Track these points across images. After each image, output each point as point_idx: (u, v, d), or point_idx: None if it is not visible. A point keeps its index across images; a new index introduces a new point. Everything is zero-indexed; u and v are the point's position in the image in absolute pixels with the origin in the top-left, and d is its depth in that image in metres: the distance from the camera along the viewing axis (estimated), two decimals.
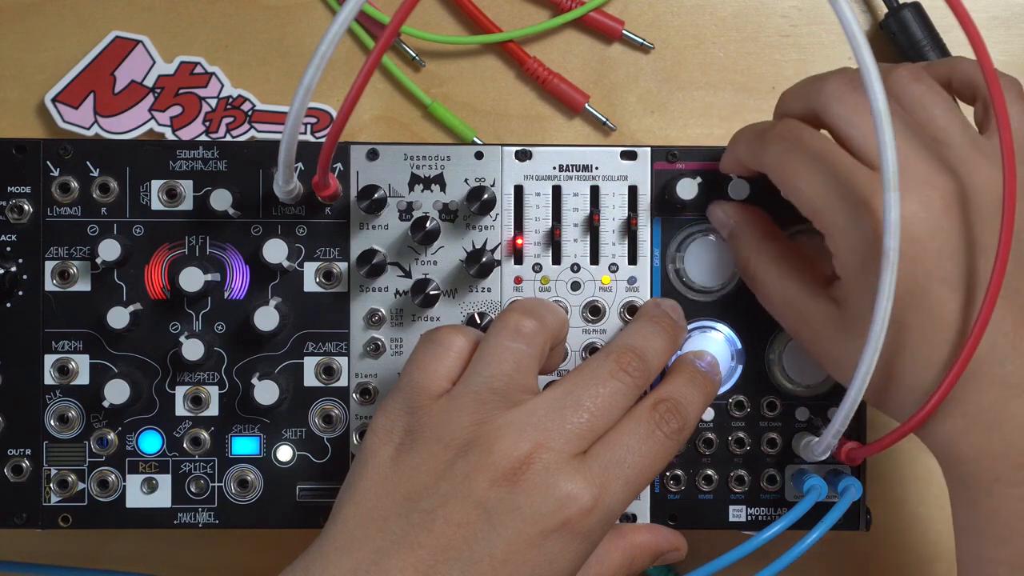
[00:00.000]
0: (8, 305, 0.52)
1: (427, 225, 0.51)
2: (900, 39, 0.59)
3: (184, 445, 0.53)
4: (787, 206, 0.47)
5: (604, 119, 0.61)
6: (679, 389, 0.48)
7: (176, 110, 0.60)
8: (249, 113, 0.60)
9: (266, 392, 0.51)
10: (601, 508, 0.43)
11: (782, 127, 0.47)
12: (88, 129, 0.60)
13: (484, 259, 0.51)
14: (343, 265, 0.53)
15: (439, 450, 0.44)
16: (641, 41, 0.61)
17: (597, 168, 0.53)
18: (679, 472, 0.53)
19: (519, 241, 0.52)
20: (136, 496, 0.53)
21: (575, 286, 0.53)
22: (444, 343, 0.46)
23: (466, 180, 0.53)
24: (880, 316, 0.41)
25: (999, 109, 0.43)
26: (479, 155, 0.53)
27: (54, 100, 0.60)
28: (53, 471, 0.53)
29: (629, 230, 0.53)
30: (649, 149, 0.53)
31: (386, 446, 0.45)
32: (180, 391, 0.53)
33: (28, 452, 0.53)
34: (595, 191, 0.53)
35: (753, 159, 0.49)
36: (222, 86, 0.60)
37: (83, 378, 0.53)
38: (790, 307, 0.49)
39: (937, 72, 0.48)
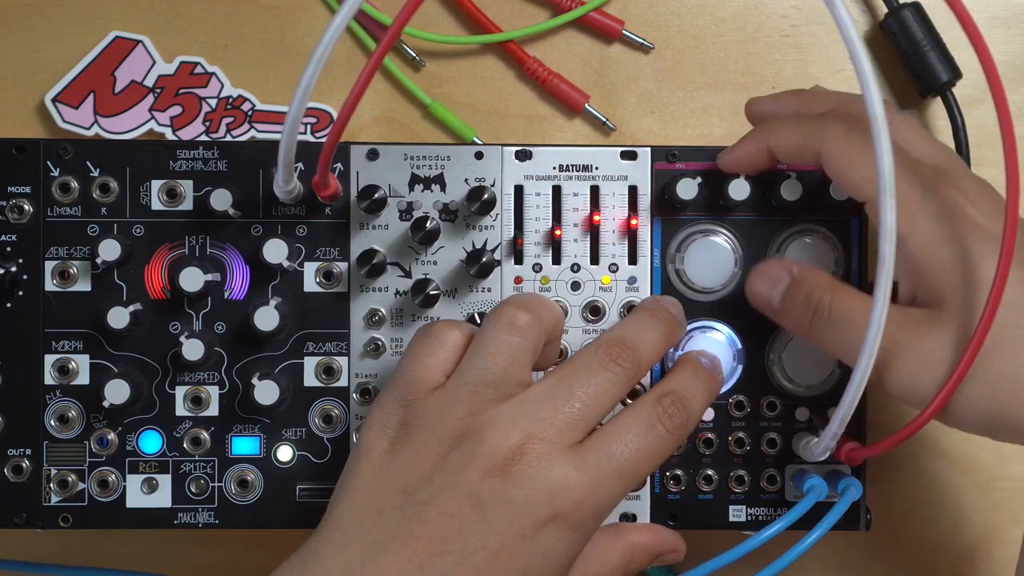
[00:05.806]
0: (8, 305, 0.52)
1: (427, 225, 0.51)
2: (900, 39, 0.59)
3: (184, 445, 0.53)
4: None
5: (604, 119, 0.61)
6: (684, 383, 0.48)
7: (176, 110, 0.60)
8: (249, 113, 0.60)
9: (266, 392, 0.51)
10: (593, 500, 0.43)
11: (839, 112, 0.48)
12: (88, 129, 0.60)
13: (484, 259, 0.51)
14: (343, 265, 0.53)
15: (433, 442, 0.44)
16: (641, 41, 0.61)
17: (597, 168, 0.53)
18: (679, 472, 0.53)
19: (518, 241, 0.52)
20: (136, 496, 0.53)
21: (575, 286, 0.53)
22: (439, 336, 0.47)
23: (466, 180, 0.53)
24: (876, 319, 0.41)
25: (1000, 104, 0.43)
26: (479, 155, 0.53)
27: (54, 100, 0.60)
28: (53, 471, 0.53)
29: (629, 230, 0.53)
30: (649, 149, 0.53)
31: (381, 440, 0.45)
32: (180, 391, 0.53)
33: (28, 452, 0.53)
34: (595, 191, 0.53)
35: (805, 142, 0.48)
36: (222, 86, 0.60)
37: (83, 378, 0.53)
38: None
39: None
